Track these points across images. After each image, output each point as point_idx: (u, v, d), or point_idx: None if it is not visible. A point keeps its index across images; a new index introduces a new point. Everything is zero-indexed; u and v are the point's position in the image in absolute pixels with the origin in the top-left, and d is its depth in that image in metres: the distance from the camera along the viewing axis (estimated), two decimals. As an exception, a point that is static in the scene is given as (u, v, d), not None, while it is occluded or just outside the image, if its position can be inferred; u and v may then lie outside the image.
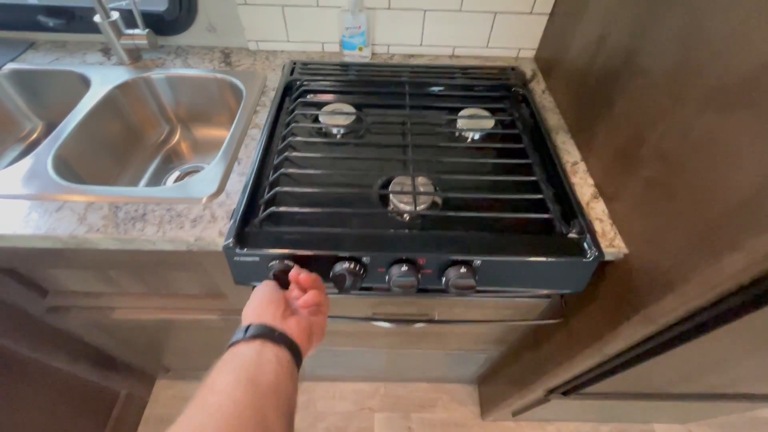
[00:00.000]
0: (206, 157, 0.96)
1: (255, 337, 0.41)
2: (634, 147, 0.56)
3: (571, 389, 0.84)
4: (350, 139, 0.77)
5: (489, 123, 0.77)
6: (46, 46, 0.92)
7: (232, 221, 0.58)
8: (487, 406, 1.31)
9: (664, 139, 0.50)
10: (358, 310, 0.78)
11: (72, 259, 0.66)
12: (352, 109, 0.79)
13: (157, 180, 0.90)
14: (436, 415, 1.36)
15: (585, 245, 0.57)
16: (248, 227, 0.58)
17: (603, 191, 0.65)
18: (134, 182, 0.87)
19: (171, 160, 0.94)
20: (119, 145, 0.86)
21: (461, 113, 0.80)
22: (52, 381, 0.95)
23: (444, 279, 0.57)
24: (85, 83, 0.84)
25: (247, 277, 0.60)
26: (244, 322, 0.45)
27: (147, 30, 0.85)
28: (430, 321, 0.78)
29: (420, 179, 0.65)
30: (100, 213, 0.60)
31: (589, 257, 0.56)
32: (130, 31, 0.85)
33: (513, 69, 0.91)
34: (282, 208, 0.59)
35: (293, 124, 0.74)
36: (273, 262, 0.56)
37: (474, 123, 0.78)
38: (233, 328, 0.79)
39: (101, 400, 1.15)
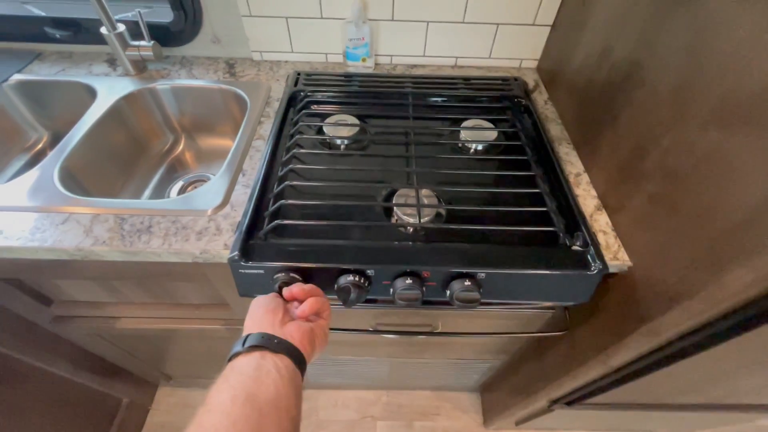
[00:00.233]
0: (210, 167, 0.96)
1: (253, 347, 0.41)
2: (637, 160, 0.57)
3: (574, 400, 0.83)
4: (354, 150, 0.77)
5: (492, 134, 0.78)
6: (53, 57, 0.93)
7: (237, 233, 0.58)
8: (489, 414, 1.31)
9: (668, 154, 0.50)
10: (362, 321, 0.78)
11: (77, 270, 0.66)
12: (355, 120, 0.79)
13: (161, 190, 0.90)
14: (438, 424, 1.35)
15: (589, 258, 0.57)
16: (253, 240, 0.58)
17: (606, 203, 0.65)
18: (138, 192, 0.87)
19: (175, 170, 0.95)
20: (124, 156, 0.87)
21: (464, 124, 0.80)
22: (55, 389, 0.95)
23: (448, 292, 0.57)
24: (91, 94, 0.84)
25: (251, 289, 0.60)
26: (245, 333, 0.44)
27: (153, 41, 0.86)
28: (434, 333, 0.78)
29: (424, 191, 0.65)
30: (106, 225, 0.60)
31: (594, 270, 0.56)
32: (135, 43, 0.85)
33: (515, 79, 0.92)
34: (287, 221, 0.60)
35: (298, 136, 0.75)
36: (278, 275, 0.56)
37: (477, 134, 0.78)
38: (237, 338, 0.79)
39: (104, 408, 1.15)
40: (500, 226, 0.61)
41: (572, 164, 0.73)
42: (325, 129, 0.77)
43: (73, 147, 0.72)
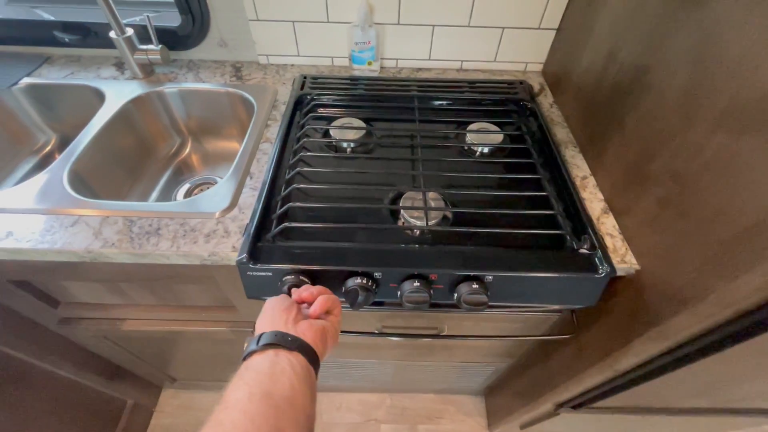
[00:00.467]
0: (216, 170, 0.97)
1: (268, 345, 0.41)
2: (644, 163, 0.57)
3: (581, 403, 0.83)
4: (360, 153, 0.77)
5: (498, 137, 0.78)
6: (62, 61, 0.94)
7: (245, 236, 0.59)
8: (494, 418, 1.30)
9: (676, 158, 0.50)
10: (368, 323, 0.79)
11: (85, 272, 0.66)
12: (362, 124, 0.80)
13: (167, 192, 0.91)
14: (442, 427, 1.35)
15: (596, 261, 0.57)
16: (261, 242, 0.59)
17: (613, 206, 0.65)
18: (146, 195, 0.88)
19: (182, 173, 0.95)
20: (132, 158, 0.87)
21: (470, 127, 0.80)
22: (60, 390, 0.96)
23: (456, 295, 0.57)
24: (99, 97, 0.85)
25: (259, 292, 0.61)
26: (257, 333, 0.44)
27: (160, 45, 0.86)
28: (440, 336, 0.78)
29: (431, 194, 0.65)
30: (115, 227, 0.61)
31: (601, 273, 0.56)
32: (144, 47, 0.86)
33: (521, 83, 0.92)
34: (295, 223, 0.60)
35: (304, 139, 0.75)
36: (286, 277, 0.56)
37: (483, 137, 0.78)
38: (242, 340, 0.79)
39: (108, 409, 1.15)
40: (507, 228, 0.61)
41: (578, 167, 0.73)
42: (331, 132, 0.78)
43: (82, 150, 0.73)
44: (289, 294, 0.53)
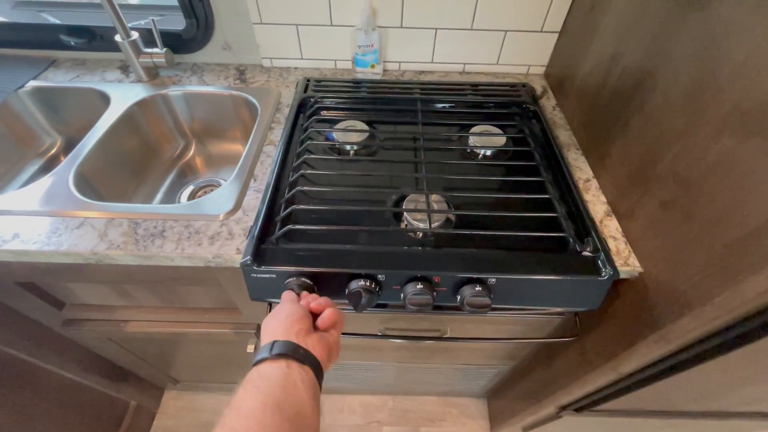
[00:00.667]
0: (220, 172, 0.97)
1: (281, 355, 0.41)
2: (648, 166, 0.57)
3: (584, 406, 0.83)
4: (363, 156, 0.78)
5: (500, 140, 0.78)
6: (67, 64, 0.94)
7: (249, 238, 0.59)
8: (496, 421, 1.30)
9: (680, 160, 0.51)
10: (370, 326, 0.79)
11: (90, 274, 0.67)
12: (365, 126, 0.80)
13: (171, 194, 0.91)
14: (444, 429, 1.34)
15: (599, 263, 0.57)
16: (265, 244, 0.59)
17: (616, 209, 0.65)
18: (150, 197, 0.88)
19: (186, 175, 0.96)
20: (136, 161, 0.88)
21: (473, 130, 0.81)
22: (63, 391, 0.96)
23: (459, 297, 0.58)
24: (104, 100, 0.86)
25: (262, 294, 0.61)
26: (267, 336, 0.44)
27: (165, 48, 0.87)
28: (442, 338, 0.78)
29: (433, 197, 0.65)
30: (120, 229, 0.61)
31: (604, 276, 0.56)
32: (148, 50, 0.87)
33: (523, 85, 0.92)
34: (298, 226, 0.60)
35: (308, 142, 0.75)
36: (289, 279, 0.56)
37: (485, 140, 0.79)
38: (245, 342, 0.80)
39: (111, 411, 1.15)
40: (510, 231, 0.61)
41: (581, 170, 0.73)
42: (334, 135, 0.78)
43: (88, 152, 0.73)
44: (297, 294, 0.53)
